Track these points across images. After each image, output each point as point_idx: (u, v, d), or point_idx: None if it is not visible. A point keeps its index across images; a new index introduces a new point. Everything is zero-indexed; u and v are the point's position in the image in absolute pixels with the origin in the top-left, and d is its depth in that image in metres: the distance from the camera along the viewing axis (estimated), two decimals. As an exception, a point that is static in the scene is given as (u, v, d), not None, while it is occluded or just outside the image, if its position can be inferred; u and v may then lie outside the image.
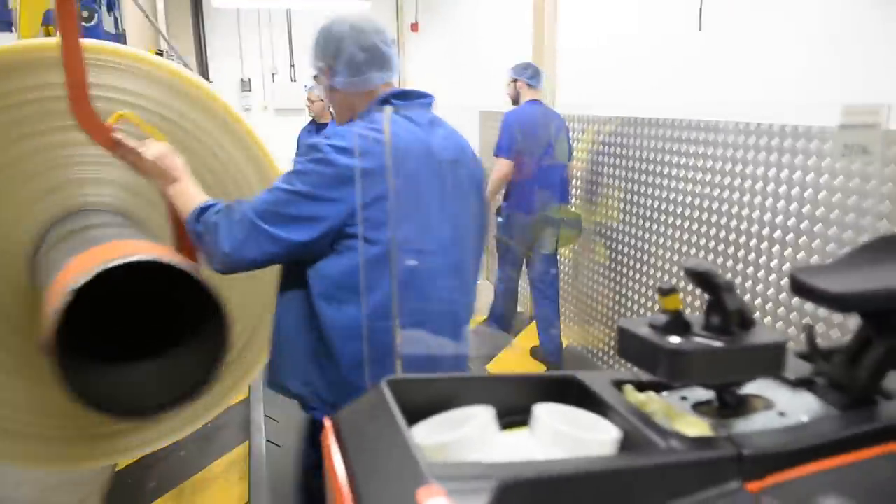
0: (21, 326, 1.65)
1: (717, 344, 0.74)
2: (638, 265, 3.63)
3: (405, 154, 1.44)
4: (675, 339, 0.75)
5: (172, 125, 1.76)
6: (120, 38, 5.61)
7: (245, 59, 7.66)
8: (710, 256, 3.11)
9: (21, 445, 1.68)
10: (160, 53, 5.55)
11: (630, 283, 3.72)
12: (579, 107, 4.13)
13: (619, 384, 0.87)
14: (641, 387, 0.88)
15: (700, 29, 3.01)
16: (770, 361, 0.78)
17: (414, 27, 7.77)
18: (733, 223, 2.93)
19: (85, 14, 4.49)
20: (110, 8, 4.98)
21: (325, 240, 1.40)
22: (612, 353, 3.96)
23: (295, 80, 7.74)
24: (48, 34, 3.87)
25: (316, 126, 5.34)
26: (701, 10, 2.98)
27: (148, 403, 1.26)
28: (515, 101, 3.99)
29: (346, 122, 1.57)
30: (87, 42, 1.50)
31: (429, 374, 0.83)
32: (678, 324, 0.78)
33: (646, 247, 3.55)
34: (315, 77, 1.60)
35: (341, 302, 1.42)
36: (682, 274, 3.26)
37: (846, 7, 2.44)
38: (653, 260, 3.50)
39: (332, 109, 1.62)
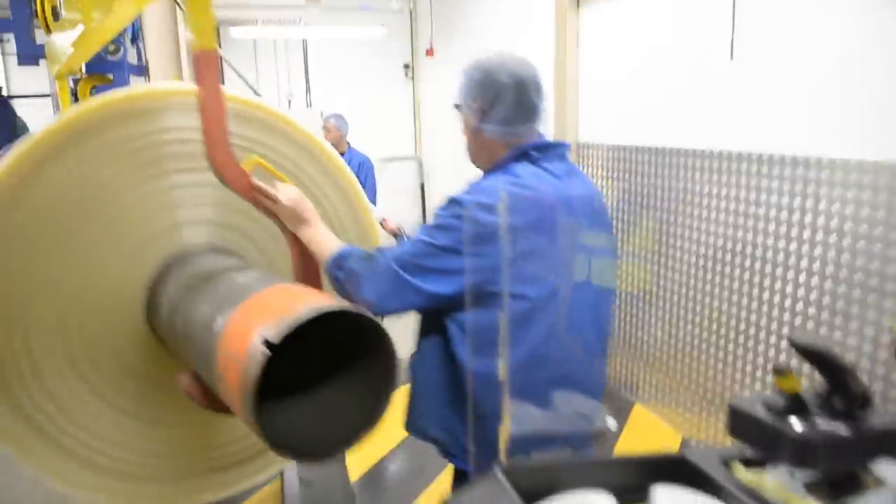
0: (135, 369, 1.68)
1: (844, 431, 0.73)
2: (668, 295, 3.61)
3: (547, 208, 1.46)
4: (797, 425, 0.73)
5: (283, 170, 1.79)
6: (144, 70, 5.68)
7: (261, 85, 7.70)
8: (735, 284, 3.08)
9: (134, 486, 1.71)
10: (183, 84, 5.60)
11: (659, 314, 3.70)
12: (605, 136, 4.13)
13: (726, 461, 0.85)
14: (747, 462, 0.86)
15: (732, 58, 3.00)
16: (894, 444, 0.76)
17: (429, 52, 7.81)
18: (758, 252, 2.91)
19: (111, 48, 4.55)
20: (134, 40, 5.03)
21: (468, 293, 1.42)
22: (640, 383, 3.93)
23: (310, 106, 7.78)
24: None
25: (334, 154, 5.37)
26: (733, 39, 2.98)
27: (318, 442, 1.25)
28: None
29: (479, 161, 1.63)
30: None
31: (541, 457, 0.81)
32: (796, 405, 0.76)
33: (676, 276, 3.53)
34: (457, 107, 1.62)
35: (482, 354, 1.44)
36: (723, 310, 3.23)
37: (884, 34, 2.43)
38: (684, 290, 3.48)
39: (468, 145, 1.65)
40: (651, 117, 3.66)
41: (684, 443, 3.49)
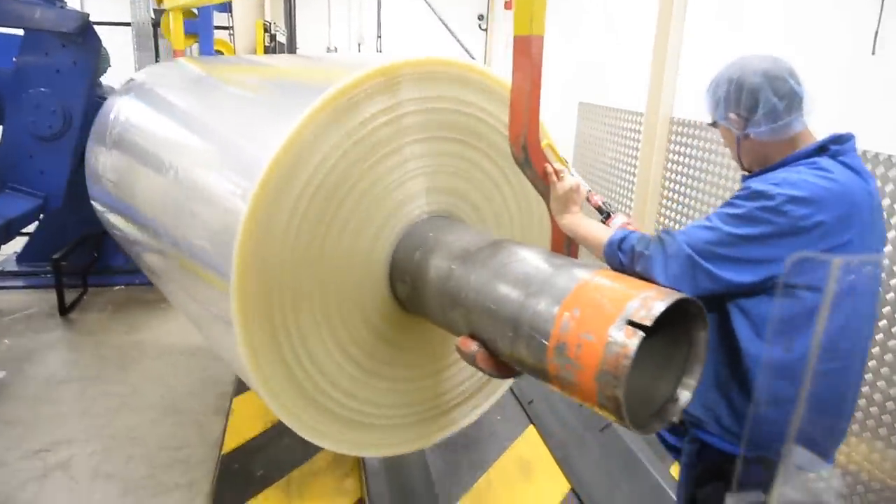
0: (380, 331, 1.83)
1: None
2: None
3: (854, 204, 1.43)
4: None
5: (484, 124, 1.89)
6: (227, 7, 5.59)
7: (333, 27, 7.57)
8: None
9: (380, 435, 1.93)
10: (266, 27, 5.51)
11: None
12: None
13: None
14: None
15: (873, 53, 2.80)
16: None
17: (508, 5, 7.55)
18: None
19: (200, -17, 4.45)
20: (219, -25, 4.92)
21: (765, 283, 1.42)
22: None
23: (380, 52, 7.63)
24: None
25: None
26: (877, 32, 2.76)
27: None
28: None
29: (755, 166, 1.60)
30: (442, 59, 1.72)
31: None
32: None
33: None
34: (714, 124, 1.63)
35: (771, 343, 1.45)
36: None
37: None
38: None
39: (738, 156, 1.64)
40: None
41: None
